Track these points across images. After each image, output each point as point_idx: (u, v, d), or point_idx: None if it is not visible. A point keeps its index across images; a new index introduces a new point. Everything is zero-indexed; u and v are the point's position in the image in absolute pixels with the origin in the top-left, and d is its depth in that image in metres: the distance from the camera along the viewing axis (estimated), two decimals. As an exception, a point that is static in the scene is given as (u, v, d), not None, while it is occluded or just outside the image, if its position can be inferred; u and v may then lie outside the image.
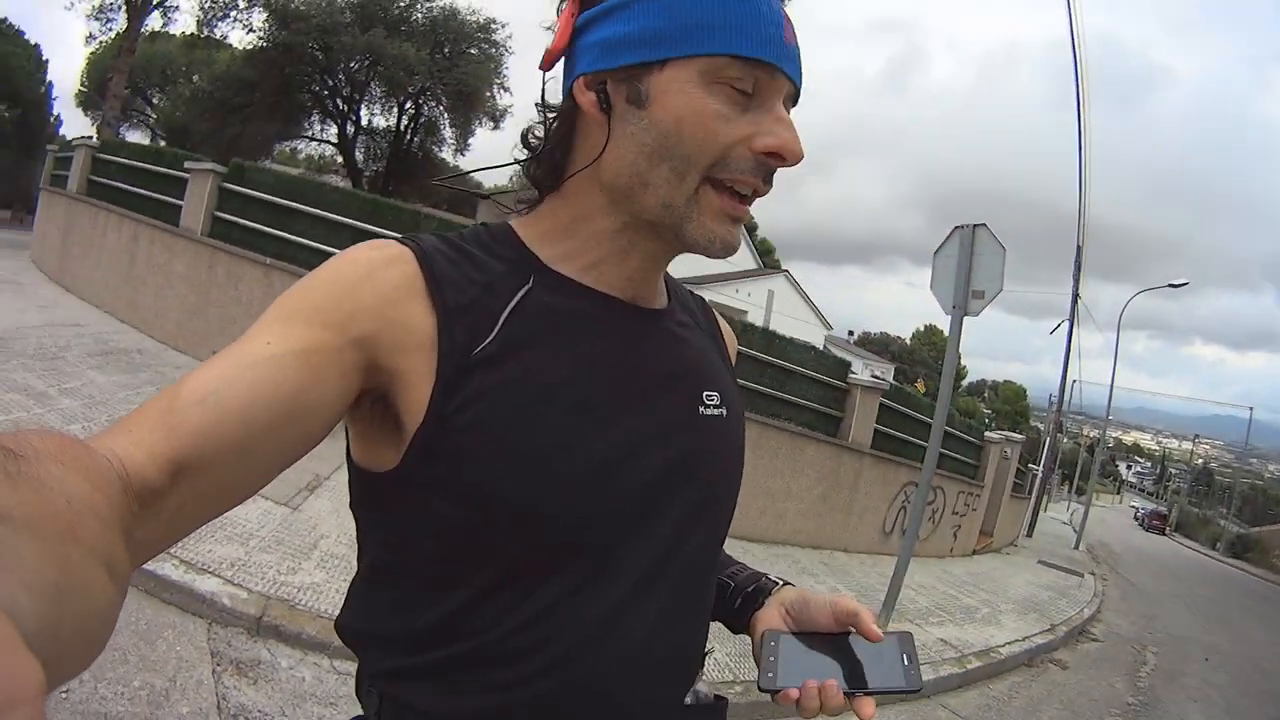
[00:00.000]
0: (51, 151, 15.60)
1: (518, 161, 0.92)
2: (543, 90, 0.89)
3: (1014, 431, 21.66)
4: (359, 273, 0.77)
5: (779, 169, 0.82)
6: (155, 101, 35.01)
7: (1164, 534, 52.92)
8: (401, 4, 25.51)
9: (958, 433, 12.84)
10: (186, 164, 9.30)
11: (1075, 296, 23.50)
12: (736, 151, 0.79)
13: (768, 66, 0.77)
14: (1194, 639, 11.17)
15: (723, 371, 1.02)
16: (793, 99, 0.83)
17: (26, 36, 36.69)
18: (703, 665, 0.98)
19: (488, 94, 27.14)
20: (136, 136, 34.01)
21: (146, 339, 8.95)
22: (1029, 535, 21.06)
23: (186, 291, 8.87)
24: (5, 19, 35.32)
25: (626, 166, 0.81)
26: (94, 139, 14.93)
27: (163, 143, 29.48)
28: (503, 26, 26.54)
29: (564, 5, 0.84)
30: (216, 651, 3.43)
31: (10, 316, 8.61)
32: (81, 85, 36.23)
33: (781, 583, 1.04)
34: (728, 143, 0.78)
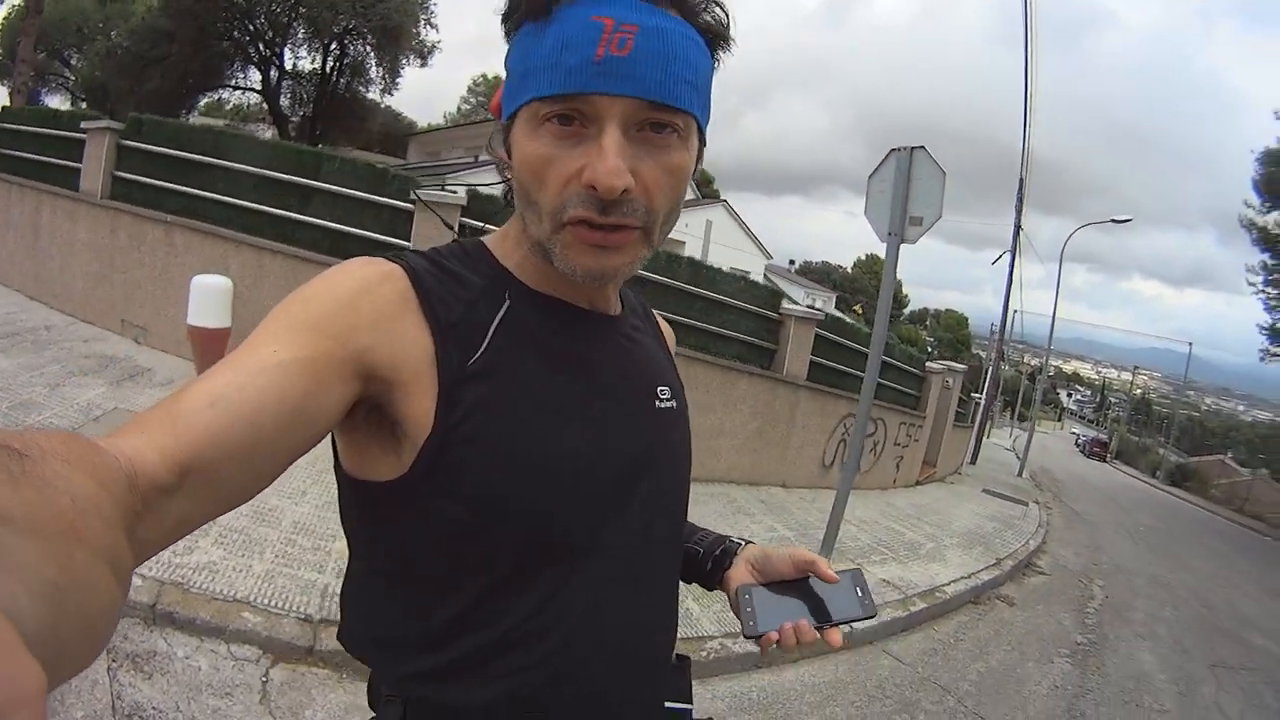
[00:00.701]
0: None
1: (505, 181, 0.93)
2: (501, 134, 0.89)
3: (955, 360, 21.61)
4: (356, 287, 0.81)
5: (620, 199, 0.80)
6: (73, 62, 33.04)
7: (1105, 461, 54.38)
8: (323, -61, 25.00)
9: (898, 363, 12.56)
10: (83, 124, 8.66)
11: (1018, 228, 23.74)
12: (569, 190, 0.80)
13: (575, 96, 0.77)
14: (1140, 571, 11.06)
15: (669, 367, 1.12)
16: (658, 113, 0.80)
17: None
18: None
19: (414, 30, 27.09)
20: (56, 101, 32.44)
21: (55, 314, 8.39)
22: (973, 463, 21.14)
23: (90, 259, 8.32)
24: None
25: (518, 203, 0.88)
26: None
27: (83, 104, 28.57)
28: None
29: None
30: (112, 647, 3.20)
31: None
32: (-6, 52, 34.66)
33: (744, 542, 1.17)
34: (558, 185, 0.80)
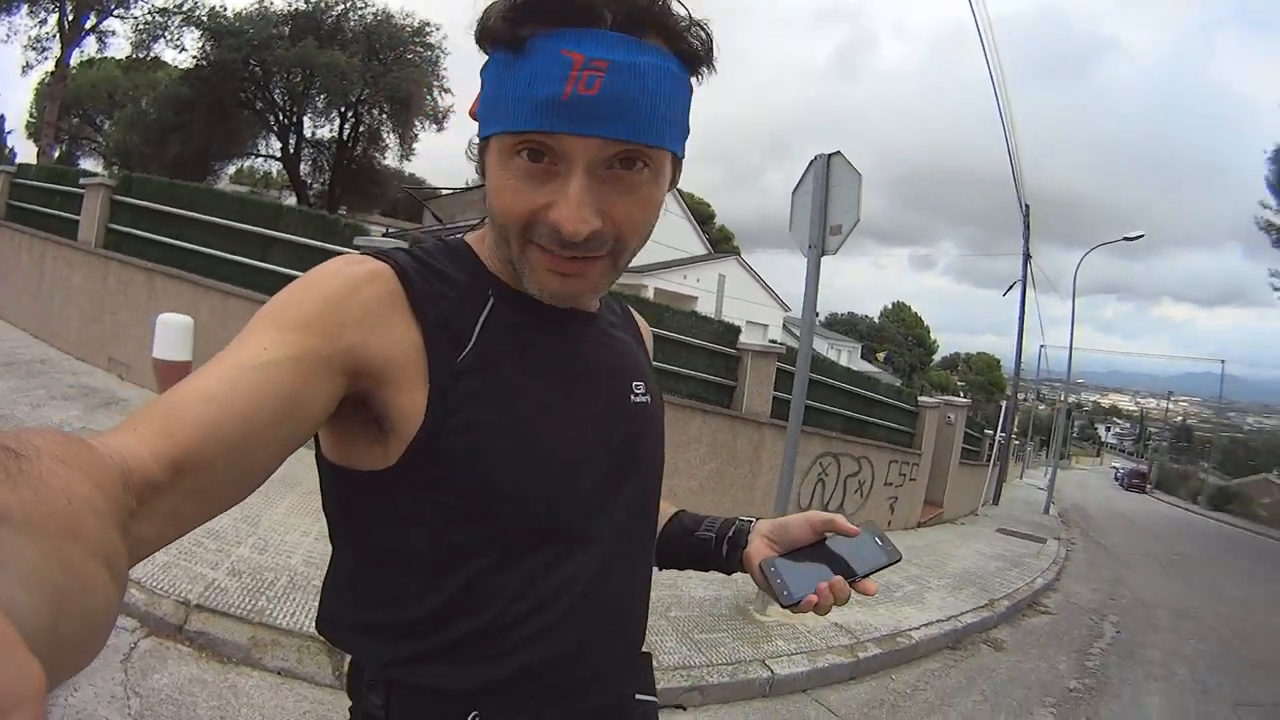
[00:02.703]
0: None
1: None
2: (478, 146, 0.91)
3: (988, 401, 21.20)
4: (344, 286, 0.82)
5: (583, 242, 0.82)
6: (105, 127, 34.79)
7: (1144, 492, 53.39)
8: (334, 14, 26.38)
9: (886, 399, 12.20)
10: (81, 180, 9.75)
11: (1026, 256, 23.56)
12: (536, 219, 0.82)
13: (541, 134, 0.78)
14: (1164, 604, 10.15)
15: (644, 364, 1.14)
16: (626, 151, 0.81)
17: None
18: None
19: (427, 96, 28.25)
20: (90, 164, 34.10)
21: (52, 350, 9.22)
22: (994, 503, 20.44)
23: (84, 302, 9.15)
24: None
25: (491, 222, 0.90)
26: (12, 168, 14.79)
27: (115, 167, 29.73)
28: (437, 28, 27.71)
29: None
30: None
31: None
32: (30, 116, 37.27)
33: (754, 519, 1.18)
34: (523, 215, 0.83)
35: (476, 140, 0.89)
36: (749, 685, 4.47)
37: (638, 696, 1.06)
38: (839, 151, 5.47)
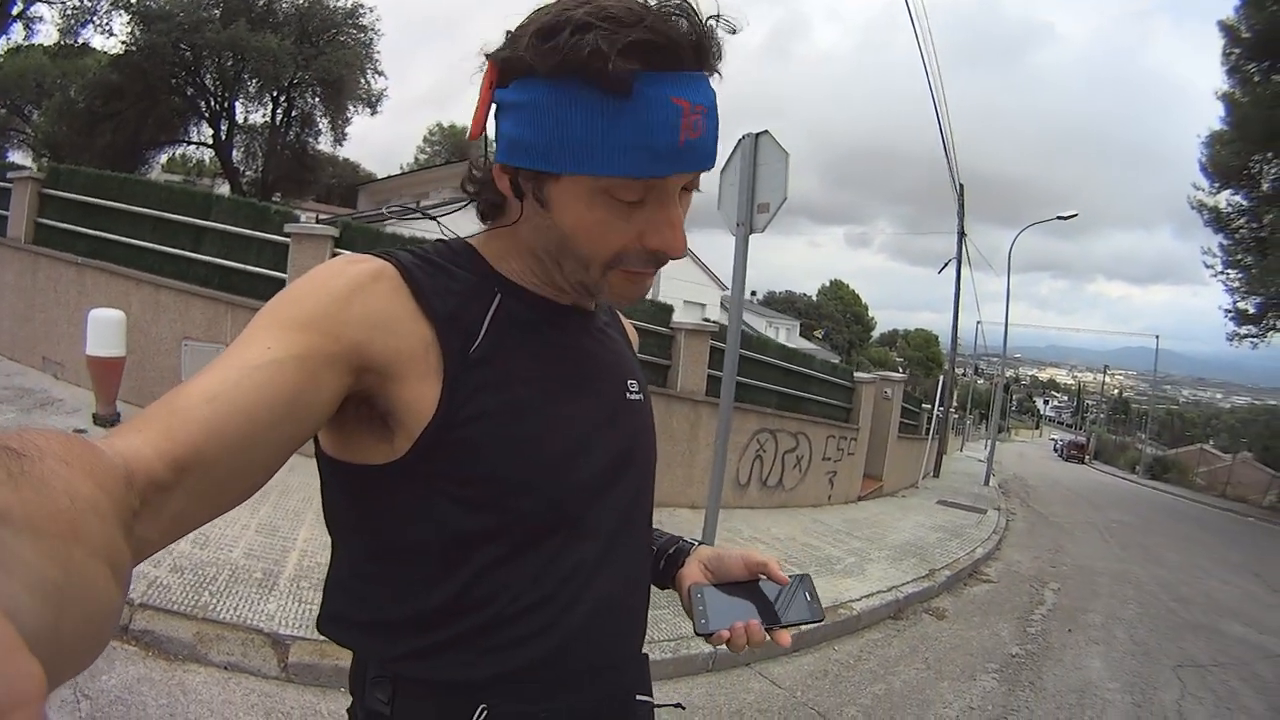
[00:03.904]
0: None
1: (466, 191, 1.01)
2: (486, 150, 0.93)
3: (927, 376, 21.61)
4: (347, 285, 0.83)
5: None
6: (34, 117, 33.07)
7: (1083, 462, 54.40)
8: (265, -3, 25.79)
9: (822, 375, 12.37)
10: (9, 174, 9.54)
11: (961, 234, 24.00)
12: (629, 248, 0.88)
13: (656, 178, 0.83)
14: (1104, 570, 10.45)
15: (634, 362, 1.16)
16: (699, 177, 0.91)
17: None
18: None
19: (360, 80, 27.99)
20: (19, 156, 32.21)
21: None
22: (935, 476, 20.81)
23: (16, 300, 9.03)
24: None
25: (540, 246, 0.93)
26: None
27: (44, 159, 28.32)
28: (370, 10, 27.50)
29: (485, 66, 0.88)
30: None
31: None
32: (-46, 109, 35.16)
33: (697, 543, 1.22)
34: (617, 248, 0.88)
35: (509, 172, 0.89)
36: (691, 661, 4.54)
37: (638, 697, 1.07)
38: (766, 131, 5.49)
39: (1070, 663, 5.97)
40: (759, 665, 4.86)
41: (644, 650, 1.12)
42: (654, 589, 1.19)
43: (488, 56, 0.86)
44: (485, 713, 0.88)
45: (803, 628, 1.11)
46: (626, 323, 1.28)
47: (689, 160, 0.82)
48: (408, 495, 0.86)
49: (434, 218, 1.11)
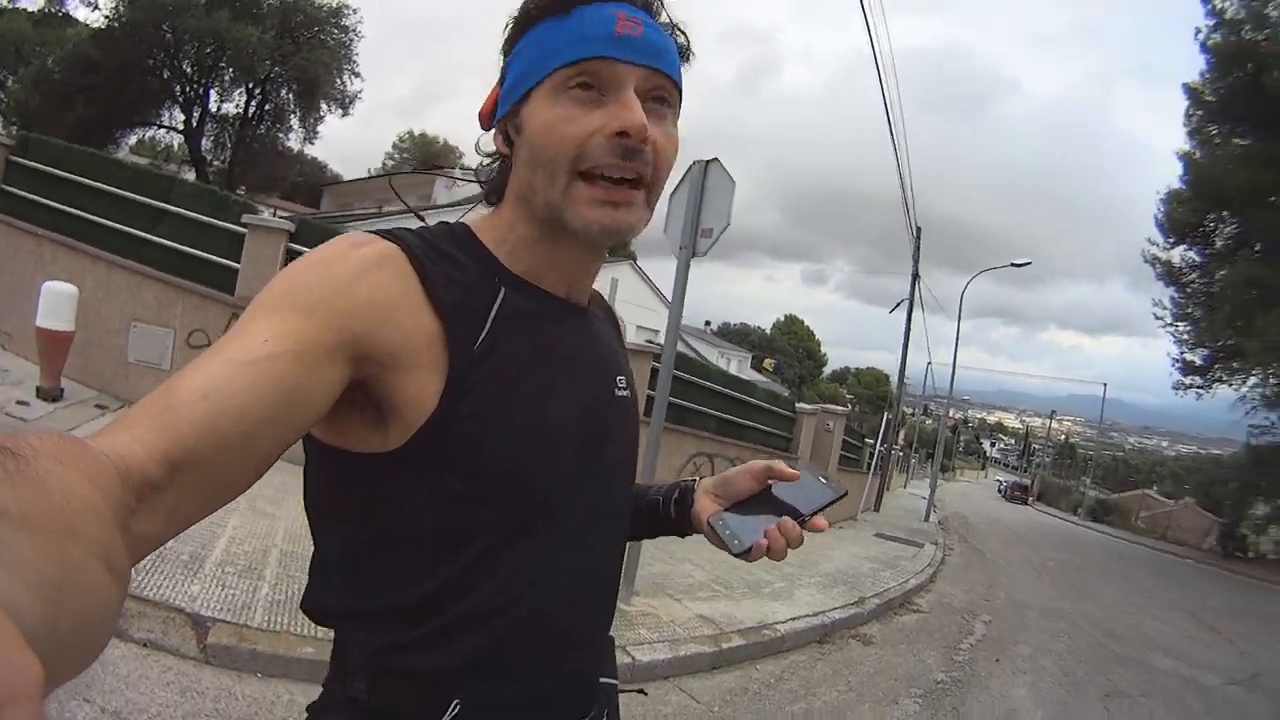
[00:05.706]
0: None
1: (478, 180, 1.06)
2: (479, 141, 1.03)
3: (875, 414, 21.82)
4: (351, 271, 0.81)
5: (641, 147, 0.89)
6: (8, 83, 32.00)
7: (1026, 503, 54.99)
8: (252, -14, 25.53)
9: (763, 404, 12.59)
10: None
11: (915, 275, 24.46)
12: (593, 142, 0.88)
13: (597, 60, 0.87)
14: (1036, 605, 10.57)
15: (624, 360, 1.18)
16: (661, 86, 0.93)
17: None
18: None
19: (337, 80, 28.05)
20: None
21: None
22: (875, 510, 21.00)
23: None
24: None
25: (522, 180, 0.95)
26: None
27: (15, 127, 27.43)
28: (354, 11, 27.67)
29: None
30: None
31: None
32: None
33: (697, 479, 1.23)
34: (580, 138, 0.88)
35: (498, 131, 0.98)
36: (608, 672, 4.52)
37: (602, 680, 1.08)
38: (716, 158, 5.61)
39: (996, 691, 6.04)
40: (677, 680, 4.89)
41: (611, 635, 1.15)
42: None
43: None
44: (459, 703, 0.89)
45: (837, 502, 1.11)
46: (619, 321, 1.30)
47: (627, 49, 0.87)
48: (400, 486, 0.86)
49: (423, 219, 1.08)
